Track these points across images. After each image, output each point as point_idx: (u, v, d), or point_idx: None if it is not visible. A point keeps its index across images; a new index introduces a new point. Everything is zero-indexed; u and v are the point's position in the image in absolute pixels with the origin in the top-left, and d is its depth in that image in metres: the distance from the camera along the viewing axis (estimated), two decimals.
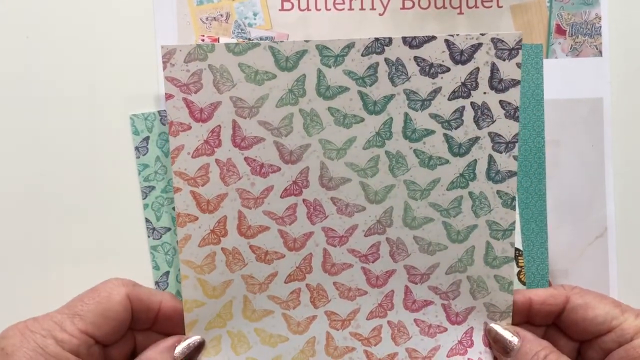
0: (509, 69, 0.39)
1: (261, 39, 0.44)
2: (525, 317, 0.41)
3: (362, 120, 0.39)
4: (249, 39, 0.44)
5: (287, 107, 0.39)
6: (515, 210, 0.40)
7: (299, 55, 0.39)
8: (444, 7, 0.45)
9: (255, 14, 0.44)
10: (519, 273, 0.44)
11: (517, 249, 0.44)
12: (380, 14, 0.45)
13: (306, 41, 0.39)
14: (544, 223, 0.44)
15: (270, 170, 0.40)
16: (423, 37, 0.39)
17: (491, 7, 0.45)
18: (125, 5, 0.43)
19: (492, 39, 0.38)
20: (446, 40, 0.39)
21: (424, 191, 0.40)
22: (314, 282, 0.41)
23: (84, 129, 0.43)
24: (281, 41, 0.39)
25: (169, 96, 0.39)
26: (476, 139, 0.40)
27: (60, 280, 0.43)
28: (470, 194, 0.40)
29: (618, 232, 0.45)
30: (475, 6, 0.45)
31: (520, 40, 0.38)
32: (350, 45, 0.39)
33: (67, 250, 0.43)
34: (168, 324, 0.39)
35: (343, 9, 0.44)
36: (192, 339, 0.40)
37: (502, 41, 0.38)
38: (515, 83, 0.39)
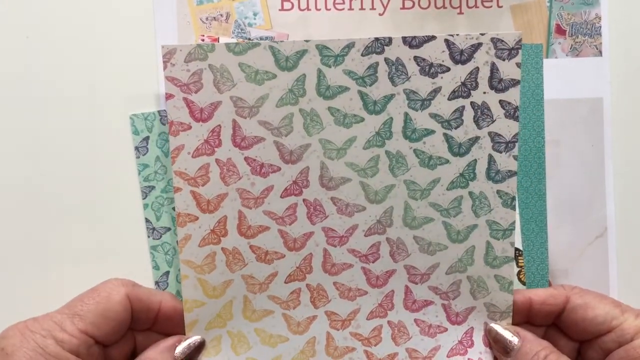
0: (508, 69, 0.39)
1: (261, 38, 0.44)
2: (525, 317, 0.41)
3: (362, 120, 0.39)
4: (249, 39, 0.44)
5: (287, 107, 0.39)
6: (515, 210, 0.40)
7: (299, 55, 0.39)
8: (444, 7, 0.45)
9: (255, 14, 0.44)
10: (519, 273, 0.44)
11: (517, 249, 0.44)
12: (380, 14, 0.45)
13: (306, 41, 0.39)
14: (544, 223, 0.44)
15: (271, 170, 0.40)
16: (423, 37, 0.39)
17: (491, 7, 0.45)
18: (125, 5, 0.43)
19: (492, 39, 0.38)
20: (446, 40, 0.39)
21: (424, 191, 0.40)
22: (314, 282, 0.41)
23: (84, 129, 0.43)
24: (281, 41, 0.39)
25: (169, 96, 0.39)
26: (476, 139, 0.40)
27: (60, 280, 0.43)
28: (470, 193, 0.40)
29: (618, 232, 0.45)
30: (475, 6, 0.45)
31: (520, 40, 0.38)
32: (350, 45, 0.39)
33: (67, 250, 0.43)
34: (168, 324, 0.39)
35: (343, 9, 0.44)
36: (193, 339, 0.40)
37: (502, 41, 0.38)
38: (515, 83, 0.39)
